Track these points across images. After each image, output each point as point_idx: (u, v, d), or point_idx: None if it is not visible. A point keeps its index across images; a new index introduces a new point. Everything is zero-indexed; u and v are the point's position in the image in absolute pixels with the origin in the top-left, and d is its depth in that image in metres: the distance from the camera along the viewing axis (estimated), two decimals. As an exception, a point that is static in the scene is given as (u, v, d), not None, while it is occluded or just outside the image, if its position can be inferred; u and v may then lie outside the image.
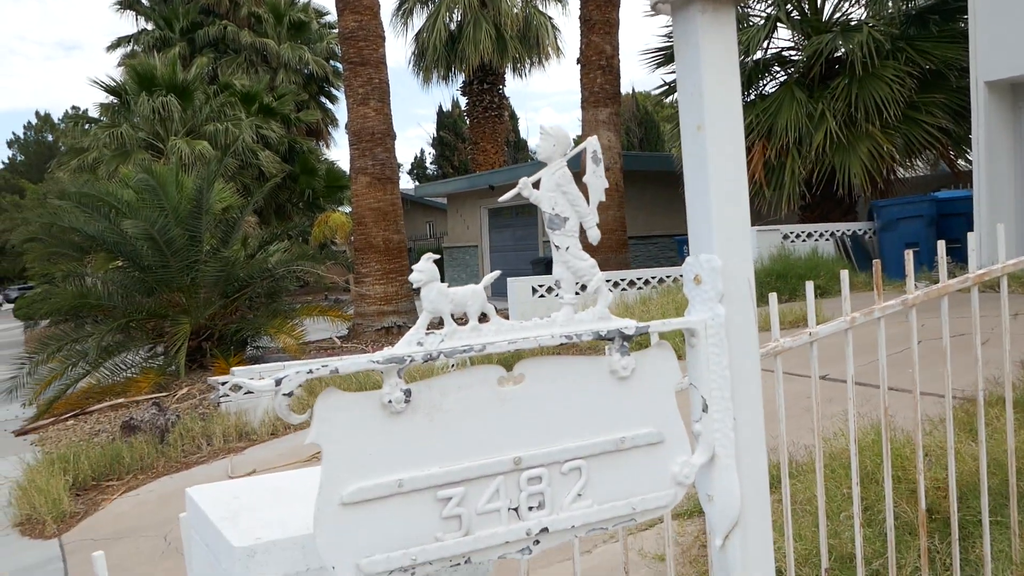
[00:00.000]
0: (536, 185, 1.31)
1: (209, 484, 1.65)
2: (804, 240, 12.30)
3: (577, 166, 1.10)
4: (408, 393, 1.14)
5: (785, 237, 12.06)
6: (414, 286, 1.21)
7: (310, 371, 1.11)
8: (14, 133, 73.76)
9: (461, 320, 1.21)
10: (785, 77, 14.47)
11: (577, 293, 1.33)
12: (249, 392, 7.99)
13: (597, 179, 1.34)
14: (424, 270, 1.19)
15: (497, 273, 1.35)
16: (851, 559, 3.16)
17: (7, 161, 64.64)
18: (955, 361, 2.61)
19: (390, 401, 1.13)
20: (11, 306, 36.45)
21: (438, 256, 1.22)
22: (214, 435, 7.18)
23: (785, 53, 14.74)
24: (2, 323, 33.07)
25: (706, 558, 3.65)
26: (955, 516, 2.62)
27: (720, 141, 1.36)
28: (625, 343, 1.30)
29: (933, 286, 2.60)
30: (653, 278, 12.32)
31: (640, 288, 11.99)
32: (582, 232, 1.33)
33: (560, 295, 1.33)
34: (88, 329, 11.51)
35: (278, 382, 1.08)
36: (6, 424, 10.79)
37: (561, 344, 1.26)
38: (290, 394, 1.09)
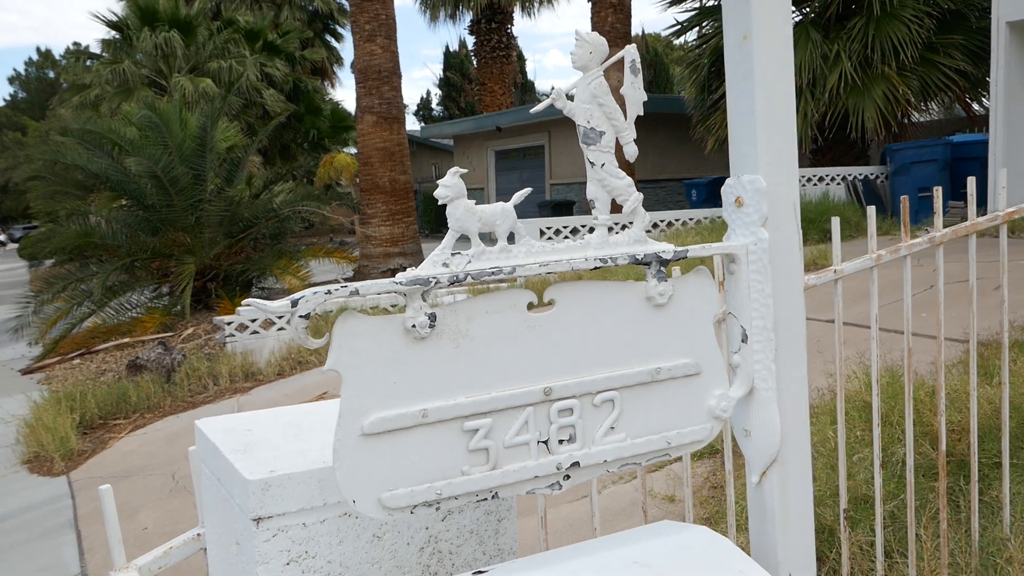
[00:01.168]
0: (570, 97, 1.22)
1: (220, 416, 1.59)
2: (815, 184, 12.13)
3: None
4: (432, 318, 1.07)
5: (796, 181, 11.89)
6: (439, 202, 1.12)
7: (328, 291, 1.04)
8: (15, 69, 72.92)
9: (492, 239, 1.14)
10: (800, 17, 14.11)
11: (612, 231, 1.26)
12: (255, 332, 7.97)
13: (635, 91, 1.24)
14: (451, 185, 1.11)
15: (528, 190, 1.27)
16: (866, 500, 3.13)
17: (8, 98, 64.03)
18: (969, 305, 2.54)
19: (414, 326, 1.05)
20: (15, 245, 36.47)
21: (465, 171, 1.13)
22: (220, 375, 7.17)
23: (802, -8, 14.35)
24: (7, 263, 33.09)
25: (716, 499, 3.64)
26: (975, 457, 2.57)
27: (769, 51, 1.26)
28: (662, 268, 1.22)
29: (961, 224, 2.51)
30: (662, 221, 12.20)
31: (649, 231, 11.86)
32: (618, 148, 1.24)
33: (594, 215, 1.25)
34: (93, 268, 11.46)
35: (294, 303, 1.01)
36: (13, 363, 10.83)
37: (595, 268, 1.19)
38: (307, 316, 1.02)
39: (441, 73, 38.99)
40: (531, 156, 21.01)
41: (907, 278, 2.35)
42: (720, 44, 13.31)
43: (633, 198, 1.23)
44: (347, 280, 13.69)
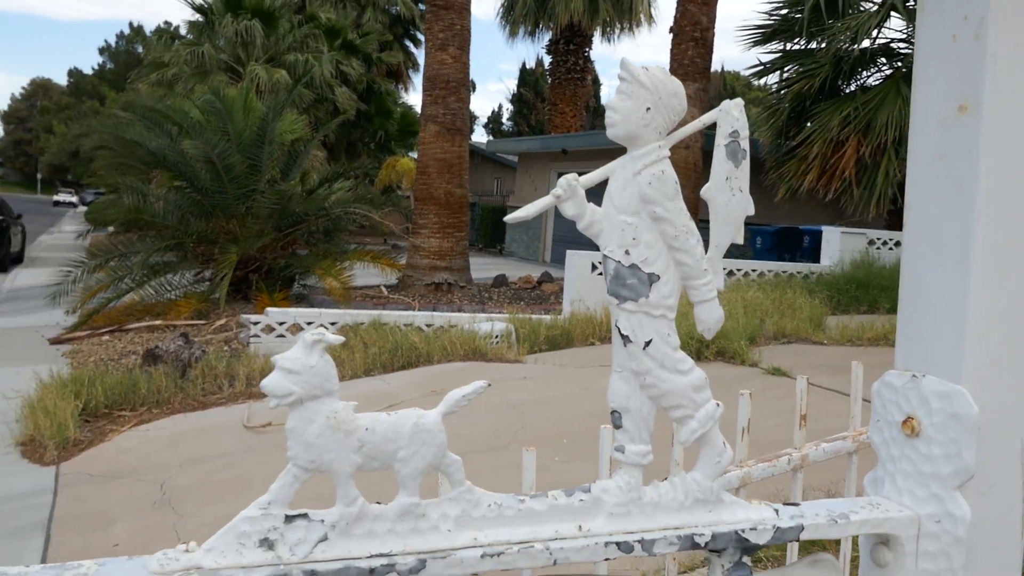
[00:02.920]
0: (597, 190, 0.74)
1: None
2: (891, 248, 11.43)
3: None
4: None
5: (871, 243, 11.23)
6: (274, 403, 0.65)
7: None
8: (106, 41, 75.23)
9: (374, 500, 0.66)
10: (891, 71, 13.45)
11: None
12: (281, 336, 7.65)
13: (733, 195, 0.75)
14: (299, 370, 0.64)
15: (481, 384, 0.76)
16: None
17: (96, 67, 66.03)
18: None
19: None
20: (85, 209, 37.29)
21: (338, 340, 0.67)
22: (237, 377, 6.85)
23: (894, 45, 13.70)
24: (76, 224, 33.73)
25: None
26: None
27: (1012, 138, 0.70)
28: (746, 558, 0.70)
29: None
30: (723, 269, 11.62)
31: (753, 280, 11.28)
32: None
33: (617, 446, 0.73)
34: (138, 245, 11.34)
35: None
36: (45, 330, 10.72)
37: (607, 560, 0.68)
38: None
39: (515, 88, 38.86)
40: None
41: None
42: (802, 90, 12.75)
43: (702, 416, 0.72)
44: (389, 288, 13.38)
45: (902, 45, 13.60)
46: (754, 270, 11.81)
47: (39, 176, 73.47)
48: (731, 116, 0.75)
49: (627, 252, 0.71)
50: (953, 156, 0.72)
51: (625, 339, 0.72)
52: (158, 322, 10.17)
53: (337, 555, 0.61)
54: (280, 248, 11.96)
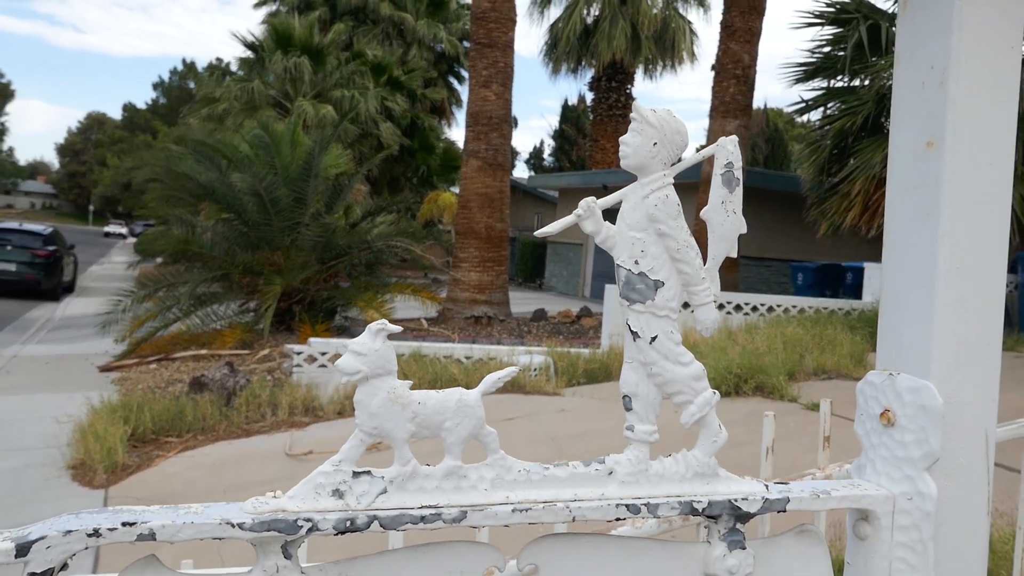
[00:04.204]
0: (612, 213, 0.83)
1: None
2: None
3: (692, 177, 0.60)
4: None
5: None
6: (344, 379, 0.74)
7: (92, 533, 0.72)
8: (160, 76, 77.58)
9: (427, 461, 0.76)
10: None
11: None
12: (323, 366, 7.76)
13: (727, 216, 0.84)
14: (367, 352, 0.75)
15: (514, 369, 0.86)
16: None
17: (149, 102, 68.03)
18: None
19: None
20: (135, 239, 38.23)
21: (398, 329, 0.76)
22: (280, 405, 6.95)
23: None
24: (126, 255, 34.57)
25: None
26: None
27: (970, 171, 0.82)
28: (739, 526, 0.79)
29: None
30: (762, 305, 11.54)
31: (747, 314, 11.23)
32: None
33: (628, 425, 0.83)
34: (185, 276, 11.62)
35: (22, 550, 0.69)
36: (96, 358, 10.99)
37: (618, 519, 0.78)
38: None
39: (557, 125, 39.17)
40: (635, 218, 20.59)
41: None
42: (844, 127, 12.70)
43: (701, 400, 0.82)
44: (429, 320, 13.49)
45: None
46: (794, 306, 11.71)
47: (91, 208, 75.60)
48: (726, 150, 0.86)
49: (636, 262, 0.83)
50: (923, 185, 0.84)
51: (635, 335, 0.83)
52: (204, 351, 10.38)
53: (394, 505, 0.73)
54: (323, 280, 12.16)
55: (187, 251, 11.93)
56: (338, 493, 0.71)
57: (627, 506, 0.75)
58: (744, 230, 0.84)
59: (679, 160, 0.83)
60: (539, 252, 26.00)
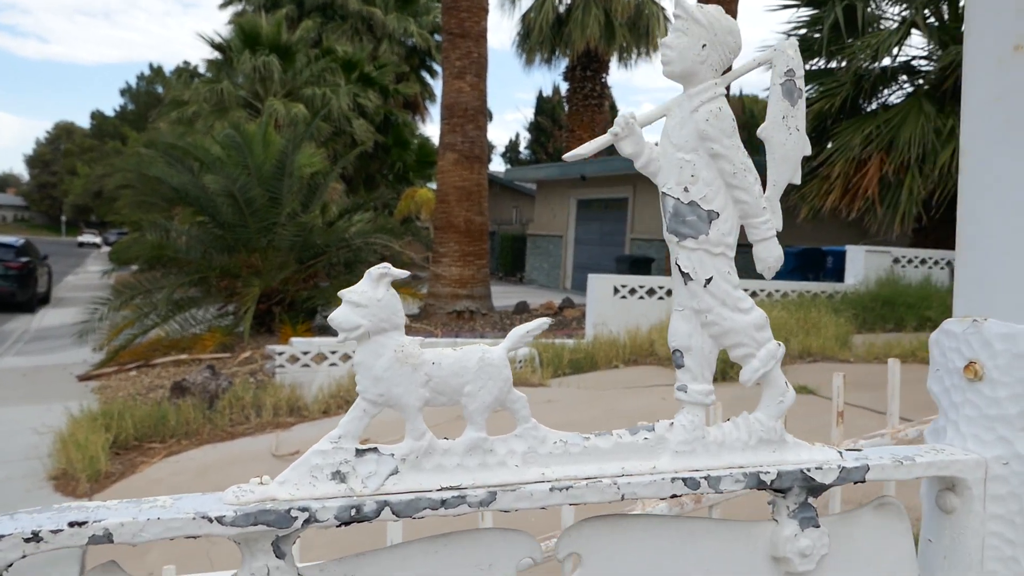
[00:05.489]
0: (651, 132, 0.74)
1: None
2: (916, 266, 11.31)
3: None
4: None
5: (896, 261, 11.11)
6: (341, 336, 0.66)
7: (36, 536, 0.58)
8: (127, 82, 76.70)
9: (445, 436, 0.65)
10: (912, 89, 13.39)
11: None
12: (306, 365, 7.64)
13: (790, 134, 0.74)
14: (366, 302, 0.65)
15: (545, 321, 0.76)
16: None
17: (117, 109, 67.21)
18: None
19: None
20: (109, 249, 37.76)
21: (404, 273, 0.66)
22: (264, 407, 6.83)
23: (915, 63, 13.64)
24: (101, 264, 34.11)
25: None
26: None
27: None
28: (811, 499, 0.68)
29: None
30: (745, 290, 11.47)
31: (776, 300, 11.16)
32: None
33: (679, 385, 0.72)
34: (161, 281, 11.43)
35: None
36: (74, 367, 10.79)
37: (673, 496, 0.67)
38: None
39: (532, 117, 39.09)
40: (614, 208, 20.55)
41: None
42: (823, 109, 12.70)
43: (764, 354, 0.72)
44: (411, 317, 13.38)
45: (923, 62, 13.55)
46: (777, 290, 11.69)
47: (63, 218, 74.57)
48: (786, 55, 0.75)
49: (686, 190, 0.70)
50: (1009, 95, 0.72)
51: (685, 277, 0.72)
52: (184, 356, 10.21)
53: (408, 487, 0.62)
54: (302, 280, 12.01)
55: (162, 256, 11.75)
56: (339, 476, 0.60)
57: (684, 480, 0.64)
58: (808, 151, 0.75)
59: (729, 69, 0.74)
60: (519, 245, 25.90)
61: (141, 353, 10.77)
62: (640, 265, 16.35)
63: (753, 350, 0.73)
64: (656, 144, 0.74)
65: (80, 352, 11.45)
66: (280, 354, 7.65)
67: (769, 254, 0.75)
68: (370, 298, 0.64)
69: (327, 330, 11.96)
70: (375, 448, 0.63)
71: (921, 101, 12.06)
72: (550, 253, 22.76)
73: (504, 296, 17.43)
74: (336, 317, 0.64)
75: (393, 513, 0.60)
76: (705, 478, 0.66)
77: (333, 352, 7.73)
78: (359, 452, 0.62)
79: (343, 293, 0.63)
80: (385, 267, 0.65)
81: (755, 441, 0.70)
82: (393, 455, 0.63)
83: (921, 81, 13.36)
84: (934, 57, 13.20)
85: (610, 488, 0.63)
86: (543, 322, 0.71)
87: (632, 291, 10.78)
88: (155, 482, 5.64)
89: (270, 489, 0.60)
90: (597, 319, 10.14)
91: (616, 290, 10.73)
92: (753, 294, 11.39)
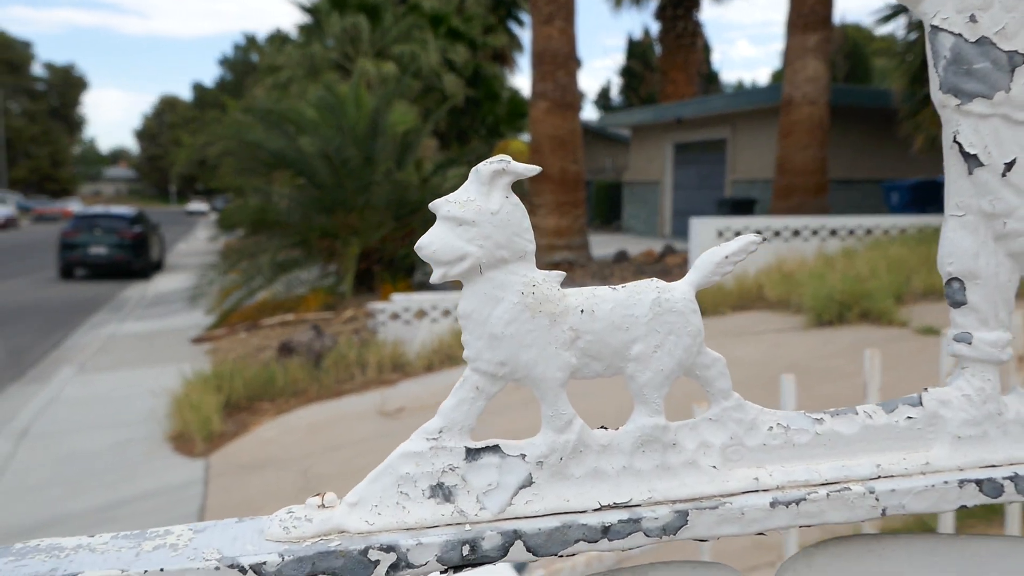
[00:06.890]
0: None
1: None
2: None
3: None
4: None
5: None
6: (439, 274, 0.44)
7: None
8: (223, 53, 78.80)
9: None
10: None
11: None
12: (408, 322, 7.65)
13: None
14: (473, 216, 0.42)
15: (754, 238, 0.53)
16: None
17: (217, 79, 69.21)
18: None
19: None
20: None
21: (534, 169, 0.45)
22: (368, 364, 6.88)
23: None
24: (208, 231, 35.44)
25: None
26: None
27: None
28: None
29: None
30: (859, 228, 10.92)
31: (843, 239, 10.65)
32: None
33: (958, 334, 0.49)
34: (265, 244, 11.70)
35: None
36: (189, 331, 11.19)
37: (962, 506, 0.43)
38: None
39: (623, 62, 38.15)
40: (712, 150, 19.86)
41: None
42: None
43: None
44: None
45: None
46: (894, 226, 11.06)
47: (172, 188, 77.83)
48: None
49: (972, 18, 0.45)
50: None
51: (971, 161, 0.47)
52: (290, 317, 10.44)
53: (549, 508, 0.40)
54: (400, 238, 12.08)
55: (265, 220, 12.00)
56: (442, 491, 0.39)
57: (976, 483, 0.42)
58: None
59: None
60: (614, 194, 25.45)
61: (249, 315, 11.09)
62: (743, 207, 15.76)
63: None
64: None
65: (193, 316, 11.87)
66: (382, 311, 7.68)
67: None
68: (479, 210, 0.42)
69: (427, 286, 12.03)
70: (496, 446, 0.41)
71: None
72: (647, 200, 22.27)
73: (602, 245, 17.17)
74: (428, 243, 0.42)
75: (527, 549, 0.39)
76: (1010, 478, 0.44)
77: (434, 308, 7.71)
78: (471, 453, 0.40)
79: (436, 204, 0.43)
80: (503, 159, 0.44)
81: None
82: (524, 456, 0.41)
83: None
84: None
85: (864, 500, 0.42)
86: (751, 240, 0.51)
87: (737, 233, 10.37)
88: (266, 442, 5.76)
89: (336, 515, 0.40)
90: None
91: (720, 233, 10.35)
92: (868, 232, 10.82)
